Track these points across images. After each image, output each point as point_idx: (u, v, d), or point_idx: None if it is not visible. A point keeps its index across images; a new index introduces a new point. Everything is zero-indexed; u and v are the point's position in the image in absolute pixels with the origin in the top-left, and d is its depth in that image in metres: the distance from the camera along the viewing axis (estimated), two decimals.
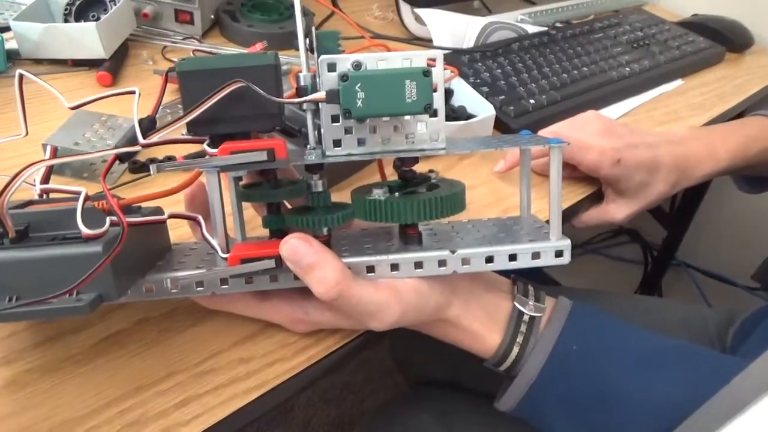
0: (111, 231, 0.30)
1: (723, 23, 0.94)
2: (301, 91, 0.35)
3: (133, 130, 0.52)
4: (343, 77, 0.31)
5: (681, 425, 0.34)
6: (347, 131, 0.35)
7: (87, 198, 0.29)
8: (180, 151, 0.53)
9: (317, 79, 0.34)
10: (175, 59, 0.69)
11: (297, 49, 0.34)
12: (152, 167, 0.30)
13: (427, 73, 0.32)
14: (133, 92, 0.35)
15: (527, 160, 0.41)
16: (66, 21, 0.67)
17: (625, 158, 0.52)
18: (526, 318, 0.40)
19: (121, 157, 0.35)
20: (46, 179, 0.34)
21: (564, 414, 0.40)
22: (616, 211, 0.57)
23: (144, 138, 0.33)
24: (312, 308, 0.38)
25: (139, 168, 0.52)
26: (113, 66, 0.65)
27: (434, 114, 0.35)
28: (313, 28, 0.36)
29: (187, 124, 0.33)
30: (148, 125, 0.35)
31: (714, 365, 0.42)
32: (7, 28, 0.65)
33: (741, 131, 0.61)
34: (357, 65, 0.33)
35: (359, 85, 0.31)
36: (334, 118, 0.34)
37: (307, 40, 0.35)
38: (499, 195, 0.56)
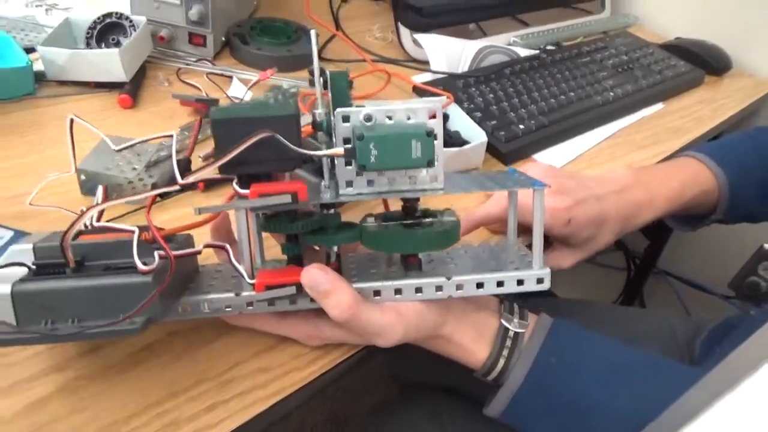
0: (158, 262, 0.35)
1: (703, 47, 1.00)
2: (317, 126, 0.40)
3: (158, 155, 0.58)
4: (359, 137, 0.36)
5: None
6: (358, 173, 0.40)
7: (140, 236, 0.34)
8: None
9: (330, 119, 0.39)
10: (190, 81, 0.74)
11: (305, 70, 0.39)
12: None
13: (430, 134, 0.37)
14: (170, 136, 0.40)
15: (515, 199, 0.47)
16: (88, 44, 0.72)
17: (575, 217, 0.54)
18: (511, 334, 0.46)
19: (161, 195, 0.40)
20: (99, 218, 0.38)
21: (544, 421, 0.46)
22: (561, 259, 0.59)
23: (182, 178, 0.38)
24: (325, 326, 0.43)
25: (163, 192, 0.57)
26: (133, 88, 0.70)
27: None
28: (327, 72, 0.41)
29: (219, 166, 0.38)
30: (185, 165, 0.40)
31: (676, 375, 0.47)
32: (32, 50, 0.69)
33: (678, 176, 0.64)
34: (368, 117, 0.38)
35: (372, 144, 0.36)
36: (347, 162, 0.39)
37: (321, 79, 0.40)
38: None
